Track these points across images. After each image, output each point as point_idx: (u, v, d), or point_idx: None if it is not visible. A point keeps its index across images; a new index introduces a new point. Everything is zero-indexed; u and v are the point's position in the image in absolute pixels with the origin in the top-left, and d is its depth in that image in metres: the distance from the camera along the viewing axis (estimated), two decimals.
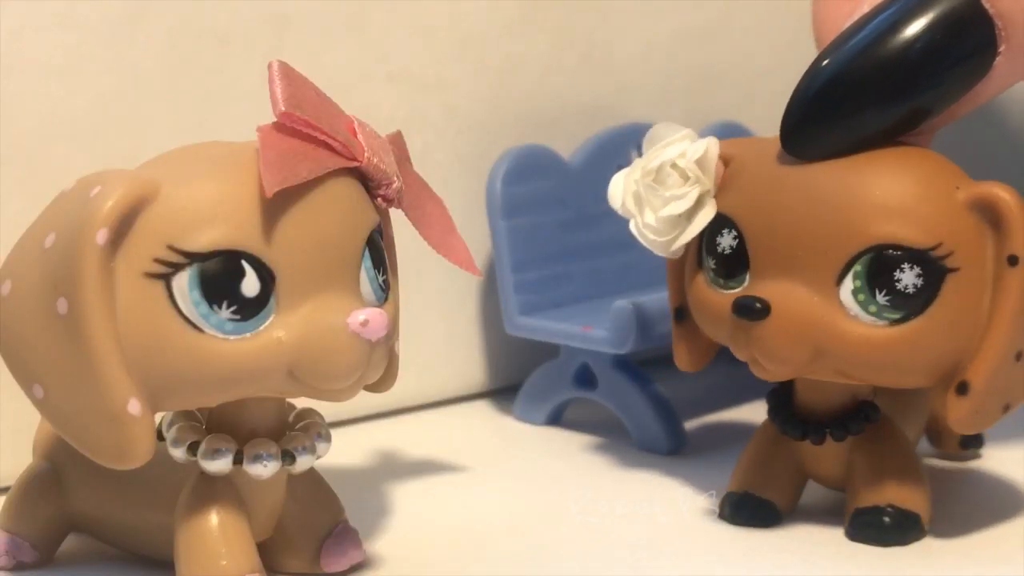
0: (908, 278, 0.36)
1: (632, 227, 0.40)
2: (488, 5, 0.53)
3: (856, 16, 0.39)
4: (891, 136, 0.38)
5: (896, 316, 0.37)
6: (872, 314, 0.37)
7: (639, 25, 0.57)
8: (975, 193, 0.37)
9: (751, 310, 0.37)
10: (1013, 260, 0.36)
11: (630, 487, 0.45)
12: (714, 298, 0.39)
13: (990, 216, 0.37)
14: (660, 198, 0.39)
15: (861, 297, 0.37)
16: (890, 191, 0.37)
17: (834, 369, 0.38)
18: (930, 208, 0.37)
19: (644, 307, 0.47)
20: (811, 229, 0.37)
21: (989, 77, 0.38)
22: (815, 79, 0.38)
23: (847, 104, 0.37)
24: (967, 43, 0.37)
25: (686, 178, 0.39)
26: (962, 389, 0.37)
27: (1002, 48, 0.38)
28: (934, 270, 0.36)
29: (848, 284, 0.37)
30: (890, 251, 0.36)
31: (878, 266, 0.36)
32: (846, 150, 0.37)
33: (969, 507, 0.42)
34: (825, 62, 0.38)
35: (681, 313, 0.42)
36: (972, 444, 0.47)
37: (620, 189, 0.41)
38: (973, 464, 0.46)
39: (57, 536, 0.39)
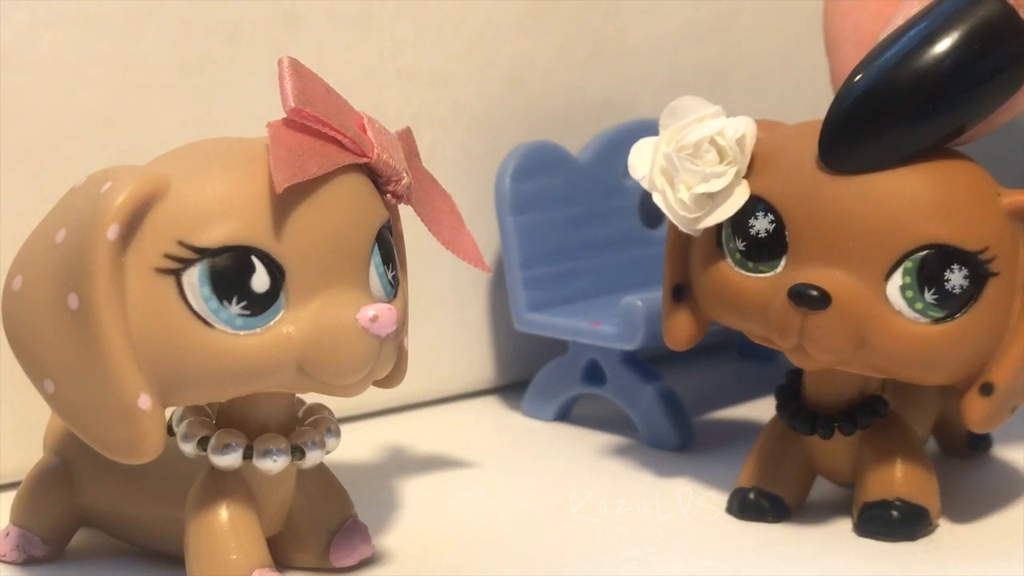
0: (956, 279, 0.37)
1: (658, 200, 0.39)
2: (497, 2, 0.53)
3: (891, 27, 0.38)
4: (925, 150, 0.37)
5: (939, 315, 0.37)
6: (917, 311, 0.37)
7: (648, 21, 0.57)
8: (1016, 201, 0.38)
9: (811, 299, 0.37)
10: None
11: (638, 483, 0.45)
12: (741, 282, 0.39)
13: None
14: (697, 174, 0.38)
15: (909, 294, 0.37)
16: (941, 193, 0.37)
17: (871, 363, 0.38)
18: (978, 212, 0.37)
19: (653, 303, 0.46)
20: (862, 222, 0.37)
21: None
22: (848, 94, 0.37)
23: (879, 120, 0.37)
24: (1002, 55, 0.37)
25: (724, 156, 0.38)
26: (987, 390, 0.38)
27: None
28: (979, 273, 0.37)
29: (897, 280, 0.37)
30: (942, 251, 0.37)
31: (929, 265, 0.37)
32: (881, 164, 0.37)
33: (977, 501, 0.42)
34: (858, 77, 0.37)
35: (679, 292, 0.42)
36: (980, 446, 0.47)
37: (646, 160, 0.39)
38: (981, 459, 0.46)
39: (67, 531, 0.39)
